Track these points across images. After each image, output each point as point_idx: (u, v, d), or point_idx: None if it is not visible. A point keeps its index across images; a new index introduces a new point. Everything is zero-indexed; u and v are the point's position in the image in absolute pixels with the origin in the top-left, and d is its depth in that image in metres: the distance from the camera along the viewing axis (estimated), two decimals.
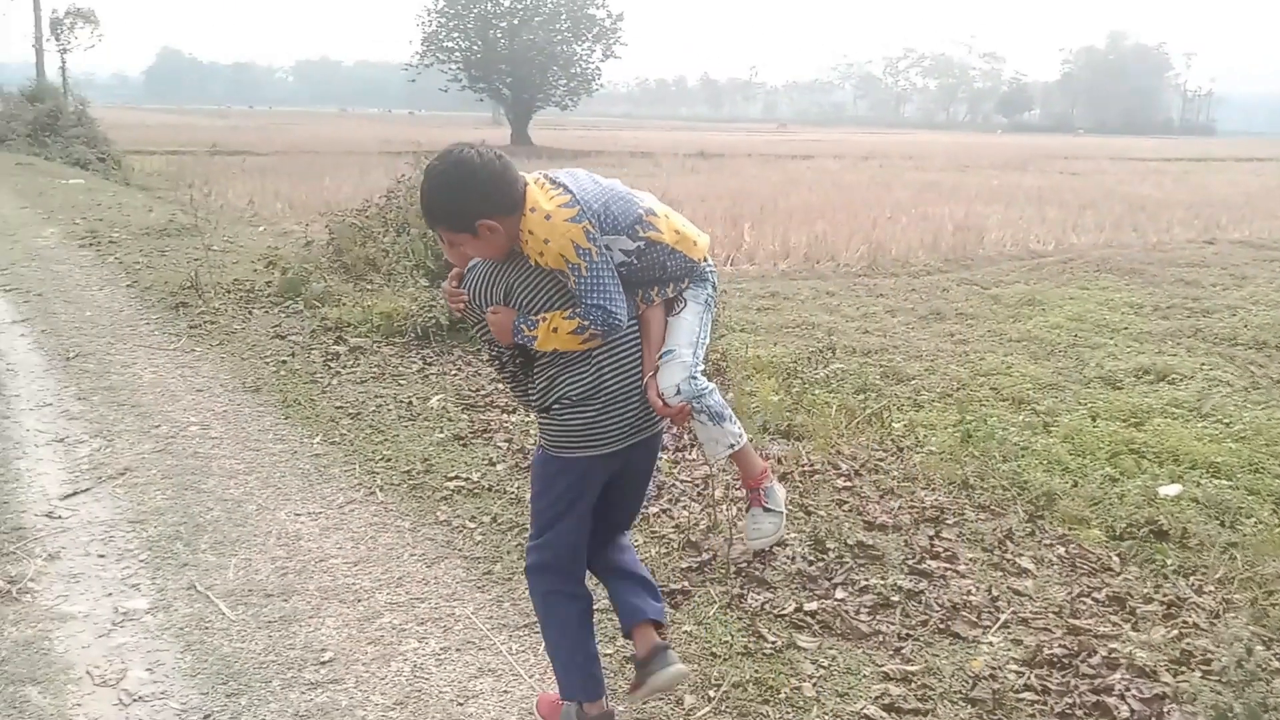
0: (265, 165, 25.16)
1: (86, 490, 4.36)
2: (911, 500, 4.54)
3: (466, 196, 2.34)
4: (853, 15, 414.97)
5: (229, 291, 8.32)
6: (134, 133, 37.16)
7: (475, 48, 48.66)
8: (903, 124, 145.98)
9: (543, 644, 2.76)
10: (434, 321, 6.99)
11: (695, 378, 2.51)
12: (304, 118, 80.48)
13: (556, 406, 2.51)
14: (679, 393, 2.48)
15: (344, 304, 7.58)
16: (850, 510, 4.32)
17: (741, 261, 15.60)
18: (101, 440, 4.99)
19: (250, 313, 7.75)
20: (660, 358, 2.52)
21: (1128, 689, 3.01)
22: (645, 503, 3.56)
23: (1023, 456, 6.58)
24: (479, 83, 50.02)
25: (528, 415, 5.34)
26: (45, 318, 7.58)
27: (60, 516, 4.09)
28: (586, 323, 2.38)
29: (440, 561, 3.80)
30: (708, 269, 2.65)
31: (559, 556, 2.66)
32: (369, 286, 8.28)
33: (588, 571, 2.76)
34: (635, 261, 2.47)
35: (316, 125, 62.03)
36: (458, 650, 3.18)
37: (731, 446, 2.64)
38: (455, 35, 49.06)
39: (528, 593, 2.81)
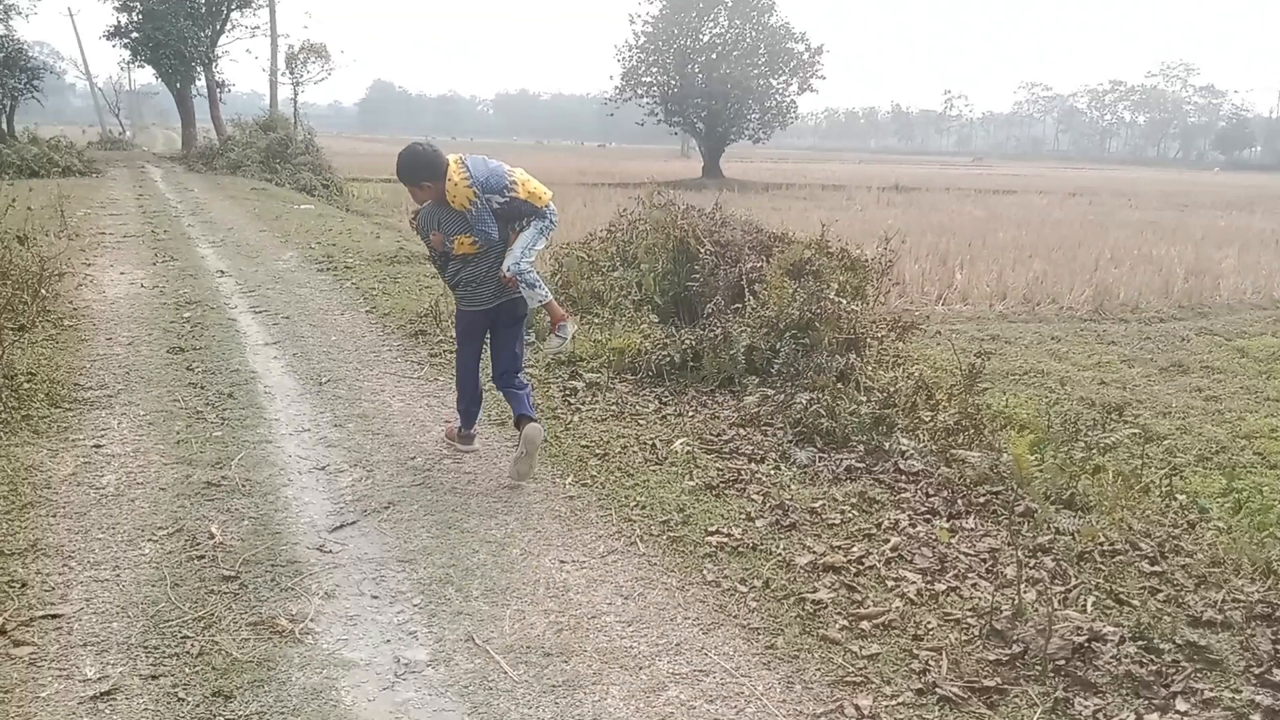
0: None
1: (353, 524, 4.36)
2: (1232, 591, 3.99)
3: (413, 168, 4.71)
4: (1056, 46, 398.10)
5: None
6: (349, 160, 39.29)
7: (673, 82, 49.08)
8: (1108, 159, 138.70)
9: None
10: (668, 360, 6.83)
11: (519, 263, 4.78)
12: (505, 149, 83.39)
13: (458, 283, 4.93)
14: (509, 269, 4.77)
15: (576, 338, 7.52)
16: (1168, 601, 3.82)
17: (954, 301, 14.93)
18: (361, 470, 5.03)
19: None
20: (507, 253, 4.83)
21: None
22: (522, 351, 5.29)
23: None
24: (674, 116, 50.40)
25: (777, 469, 5.17)
26: (295, 341, 7.87)
27: (331, 551, 4.08)
28: (476, 239, 4.76)
29: (716, 628, 3.55)
30: (548, 211, 4.91)
31: (464, 361, 5.17)
32: (596, 320, 8.23)
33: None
34: (505, 207, 4.79)
35: (516, 156, 63.91)
36: None
37: (540, 301, 4.94)
38: (654, 70, 49.66)
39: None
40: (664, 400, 6.44)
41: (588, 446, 5.47)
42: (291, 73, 43.24)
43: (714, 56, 48.35)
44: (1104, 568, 4.07)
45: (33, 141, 29.76)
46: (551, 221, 4.94)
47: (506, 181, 4.75)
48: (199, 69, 41.10)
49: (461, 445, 5.35)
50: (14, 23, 38.80)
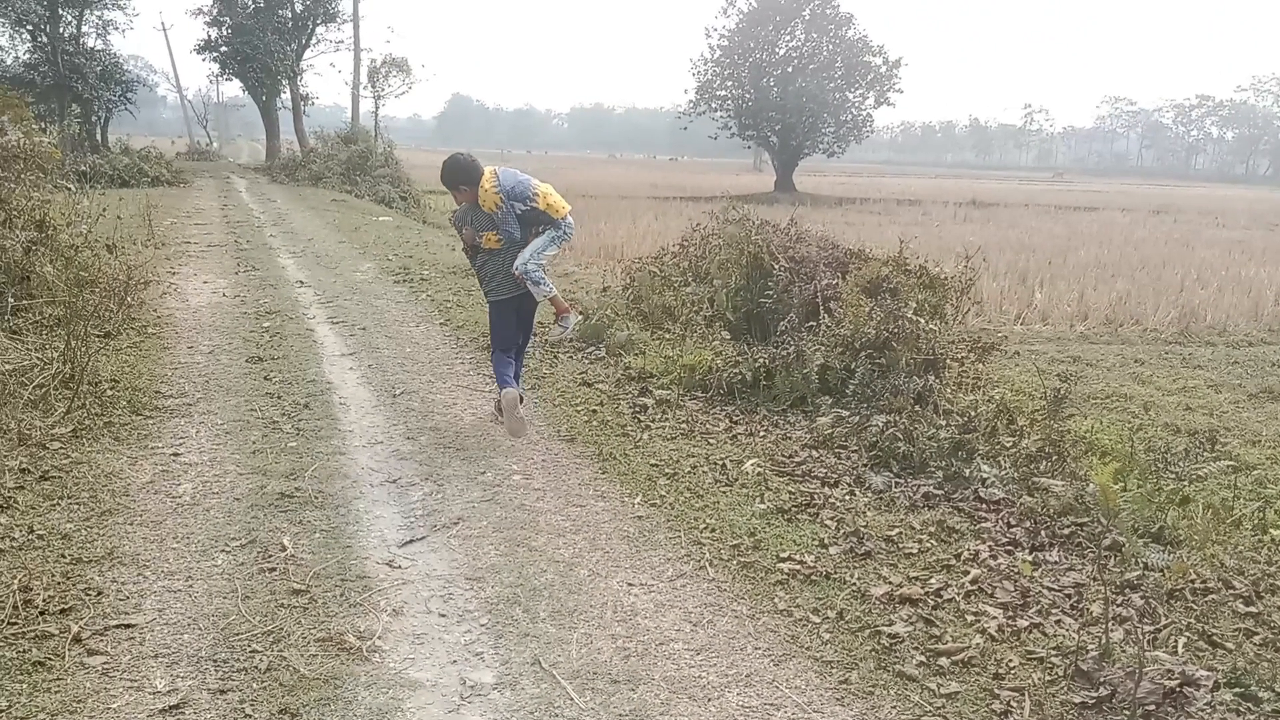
0: None
1: (422, 539, 4.35)
2: None
3: (453, 174, 5.66)
4: (1141, 60, 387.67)
5: (534, 334, 8.44)
6: (427, 173, 39.66)
7: (747, 95, 48.96)
8: (1193, 176, 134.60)
9: None
10: (739, 378, 6.74)
11: (527, 264, 5.67)
12: (578, 162, 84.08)
13: (483, 276, 5.91)
14: (518, 268, 5.68)
15: (646, 354, 7.48)
16: (1265, 645, 3.62)
17: (1033, 321, 14.59)
18: (432, 484, 5.03)
19: (555, 357, 7.81)
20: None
21: None
22: (534, 335, 6.87)
23: None
24: (748, 130, 50.24)
25: (851, 494, 5.07)
26: (370, 352, 7.95)
27: (400, 566, 4.07)
28: (501, 236, 5.70)
29: (787, 660, 3.46)
30: (563, 222, 5.78)
31: (498, 342, 5.94)
32: (666, 335, 8.18)
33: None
34: (528, 213, 5.69)
35: (589, 169, 64.56)
36: None
37: (545, 295, 5.84)
38: (728, 83, 49.59)
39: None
40: (735, 419, 6.35)
41: (657, 465, 5.41)
42: (373, 86, 44.16)
43: (789, 70, 48.16)
44: (1195, 606, 3.88)
45: (124, 152, 30.76)
46: (565, 232, 5.83)
47: (530, 193, 5.68)
48: (284, 82, 42.22)
49: (507, 409, 5.62)
50: (111, 37, 40.19)
